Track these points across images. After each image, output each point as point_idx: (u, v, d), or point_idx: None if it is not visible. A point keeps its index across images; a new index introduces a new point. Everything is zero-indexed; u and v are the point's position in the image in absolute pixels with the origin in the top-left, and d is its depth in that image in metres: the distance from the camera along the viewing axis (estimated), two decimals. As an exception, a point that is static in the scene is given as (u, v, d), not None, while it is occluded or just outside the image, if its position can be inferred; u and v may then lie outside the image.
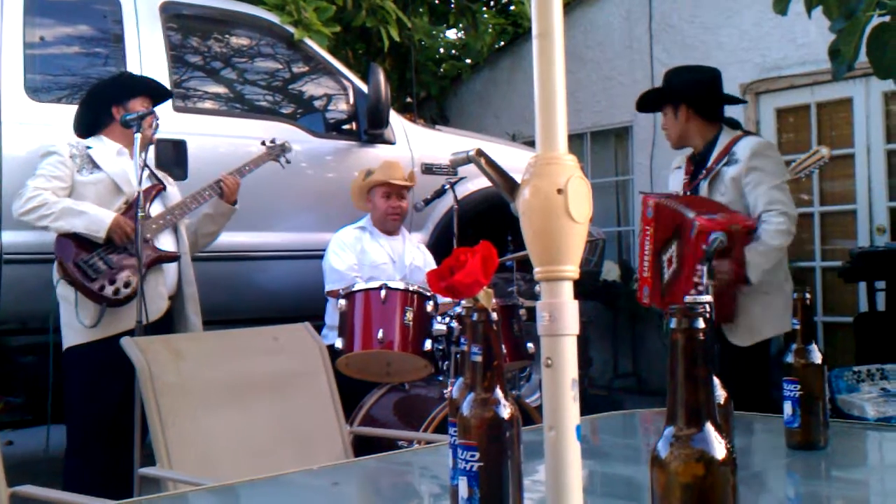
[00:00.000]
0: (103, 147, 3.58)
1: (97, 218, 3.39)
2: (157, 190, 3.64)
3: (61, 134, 3.67)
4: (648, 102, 3.79)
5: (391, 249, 4.25)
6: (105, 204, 3.47)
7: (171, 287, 3.60)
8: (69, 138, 3.57)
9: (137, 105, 3.59)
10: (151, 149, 3.52)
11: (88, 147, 3.54)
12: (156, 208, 3.60)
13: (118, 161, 3.54)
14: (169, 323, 3.57)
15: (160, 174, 3.77)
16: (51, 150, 3.49)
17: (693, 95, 3.55)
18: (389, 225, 4.26)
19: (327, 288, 4.10)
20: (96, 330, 3.37)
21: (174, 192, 3.76)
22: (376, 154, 4.80)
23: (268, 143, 4.18)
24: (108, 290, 3.39)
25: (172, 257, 3.58)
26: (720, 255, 3.22)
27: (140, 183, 3.35)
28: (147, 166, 3.65)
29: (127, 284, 3.40)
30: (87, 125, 3.64)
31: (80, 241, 3.40)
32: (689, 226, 3.26)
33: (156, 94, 3.75)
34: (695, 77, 3.66)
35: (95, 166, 3.50)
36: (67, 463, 3.45)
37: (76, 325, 3.40)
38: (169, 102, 4.30)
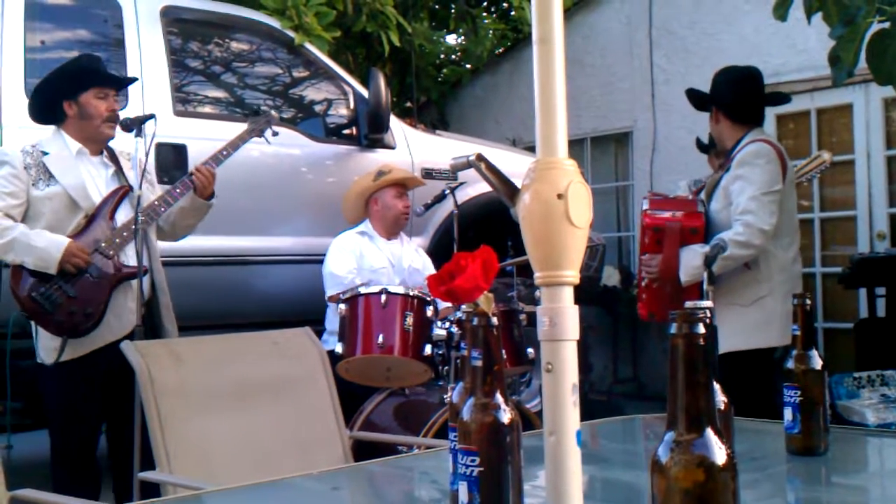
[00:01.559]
0: (61, 150, 3.26)
1: (47, 253, 3.09)
2: (123, 193, 3.30)
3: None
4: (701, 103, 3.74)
5: (390, 253, 4.25)
6: (62, 221, 3.18)
7: (145, 295, 3.28)
8: (24, 144, 3.26)
9: (90, 98, 3.25)
10: (140, 150, 3.21)
11: (45, 153, 3.22)
12: (124, 212, 3.28)
13: (76, 168, 3.25)
14: (145, 333, 3.28)
15: (130, 164, 3.36)
16: (3, 160, 3.18)
17: (718, 96, 3.56)
18: (401, 225, 4.27)
19: (328, 293, 4.10)
20: (65, 353, 3.16)
21: (144, 187, 3.35)
22: (376, 159, 4.80)
23: (251, 117, 3.89)
24: (68, 324, 3.13)
25: (137, 273, 3.23)
26: (653, 250, 3.35)
27: (140, 186, 3.16)
28: (115, 162, 3.37)
29: (88, 315, 3.14)
30: (43, 116, 3.34)
31: (33, 270, 3.13)
32: (641, 221, 3.48)
33: (113, 83, 3.40)
34: (727, 77, 3.61)
35: (52, 177, 3.19)
36: (54, 473, 3.32)
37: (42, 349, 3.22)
38: (169, 107, 4.31)
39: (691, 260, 3.31)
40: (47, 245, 3.11)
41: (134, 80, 3.70)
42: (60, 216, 3.19)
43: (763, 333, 3.35)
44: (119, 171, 3.36)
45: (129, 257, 3.25)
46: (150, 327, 3.30)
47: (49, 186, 3.18)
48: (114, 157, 3.38)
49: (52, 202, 3.18)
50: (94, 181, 3.30)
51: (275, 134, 3.96)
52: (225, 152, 3.67)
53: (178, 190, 3.42)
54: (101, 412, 3.30)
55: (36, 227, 3.17)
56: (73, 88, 3.26)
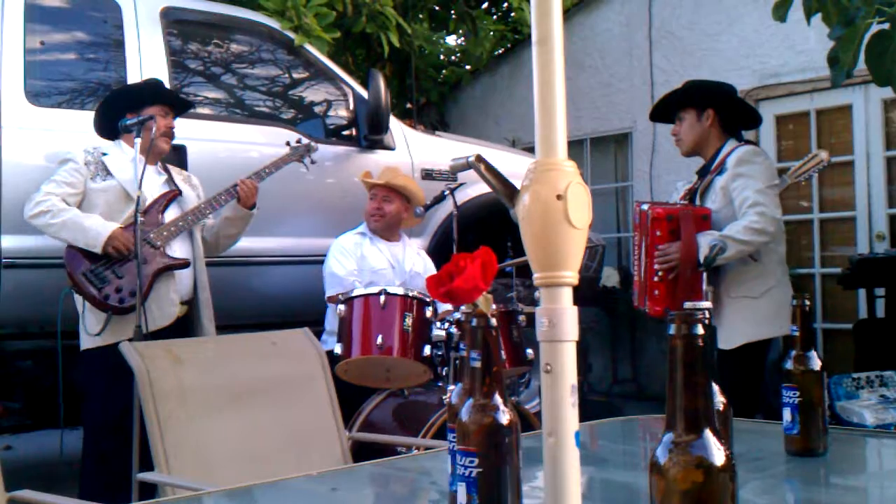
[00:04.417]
0: (120, 153, 3.59)
1: (95, 232, 3.40)
2: (172, 196, 3.64)
3: (65, 139, 3.71)
4: (666, 106, 3.80)
5: (391, 255, 4.25)
6: (115, 210, 3.49)
7: (187, 293, 3.61)
8: (86, 145, 3.59)
9: (154, 112, 3.59)
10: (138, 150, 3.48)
11: (104, 154, 3.57)
12: (171, 214, 3.61)
13: (133, 168, 3.51)
14: (185, 328, 3.59)
15: (182, 176, 3.77)
16: (67, 158, 3.53)
17: (724, 100, 3.65)
18: (371, 226, 4.27)
19: (327, 293, 4.10)
20: (107, 335, 3.38)
21: (191, 195, 3.74)
22: (376, 160, 4.80)
23: (292, 144, 4.21)
24: (113, 299, 3.40)
25: (181, 265, 3.56)
26: (670, 238, 3.39)
27: (139, 187, 3.34)
28: (168, 171, 3.71)
29: (133, 293, 3.39)
30: (105, 128, 3.66)
31: (89, 251, 3.42)
32: (645, 215, 3.49)
33: (177, 105, 3.80)
34: (722, 87, 3.77)
35: (108, 173, 3.53)
36: (83, 464, 3.48)
37: (85, 334, 3.45)
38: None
39: (710, 242, 3.33)
40: (97, 226, 3.43)
41: (193, 106, 4.02)
42: (114, 207, 3.50)
43: (774, 324, 3.44)
44: (170, 180, 3.70)
45: (175, 251, 3.57)
46: (189, 322, 3.62)
47: (105, 180, 3.53)
48: (167, 170, 3.73)
49: (106, 194, 3.52)
50: (147, 183, 3.56)
51: (313, 162, 4.28)
52: (267, 170, 3.97)
53: (223, 197, 3.74)
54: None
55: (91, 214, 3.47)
56: (137, 103, 3.62)
